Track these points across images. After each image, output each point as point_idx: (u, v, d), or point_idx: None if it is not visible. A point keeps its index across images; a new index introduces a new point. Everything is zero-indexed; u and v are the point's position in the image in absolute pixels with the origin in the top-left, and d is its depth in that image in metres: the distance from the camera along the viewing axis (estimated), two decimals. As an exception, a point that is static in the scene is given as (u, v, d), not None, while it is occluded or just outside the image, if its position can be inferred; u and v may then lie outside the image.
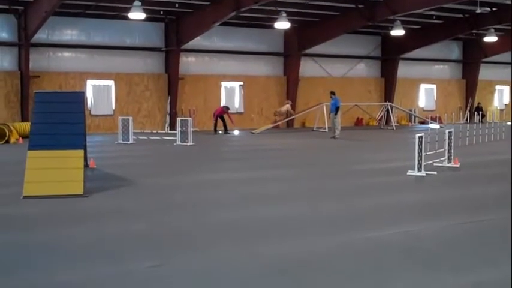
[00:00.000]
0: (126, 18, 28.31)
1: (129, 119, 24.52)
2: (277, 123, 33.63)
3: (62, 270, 6.51)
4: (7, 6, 27.73)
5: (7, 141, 23.56)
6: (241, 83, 34.73)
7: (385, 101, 37.78)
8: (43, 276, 6.35)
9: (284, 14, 29.58)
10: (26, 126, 24.71)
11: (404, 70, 39.72)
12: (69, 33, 30.50)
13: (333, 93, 27.07)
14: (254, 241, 7.80)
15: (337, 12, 31.90)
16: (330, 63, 37.54)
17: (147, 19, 28.79)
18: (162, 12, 30.45)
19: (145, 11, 26.93)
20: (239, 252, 7.25)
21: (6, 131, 23.87)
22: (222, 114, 29.82)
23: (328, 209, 10.03)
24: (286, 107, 30.09)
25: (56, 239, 7.90)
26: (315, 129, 32.40)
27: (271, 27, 31.79)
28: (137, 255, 7.12)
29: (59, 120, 12.23)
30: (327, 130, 26.92)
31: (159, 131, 29.44)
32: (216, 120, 29.73)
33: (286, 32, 34.66)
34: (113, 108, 31.18)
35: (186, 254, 7.17)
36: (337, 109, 26.35)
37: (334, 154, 20.24)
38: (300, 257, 6.99)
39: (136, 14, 26.84)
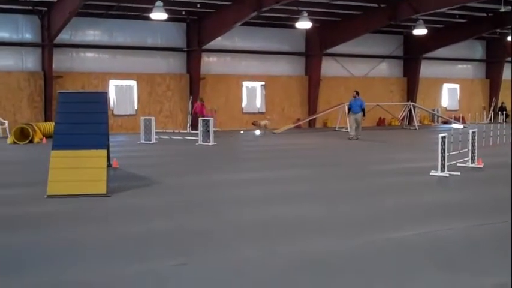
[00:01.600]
0: (148, 18, 28.46)
1: (151, 119, 24.65)
2: (299, 123, 33.60)
3: (85, 269, 6.56)
4: (31, 7, 28.03)
5: (31, 141, 23.82)
6: (263, 82, 34.75)
7: (408, 101, 37.55)
8: (66, 274, 6.40)
9: (306, 14, 29.53)
10: (49, 126, 24.96)
11: (427, 70, 39.45)
12: (92, 33, 30.76)
13: (357, 92, 26.32)
14: (275, 240, 7.80)
15: (359, 12, 31.77)
16: (352, 62, 37.41)
17: (168, 19, 28.92)
18: (183, 13, 30.57)
19: (167, 11, 27.05)
20: (261, 251, 7.25)
21: (30, 131, 24.13)
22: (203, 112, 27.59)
23: (349, 209, 9.99)
24: (265, 121, 29.48)
25: (79, 238, 7.97)
26: (336, 129, 32.31)
27: (293, 27, 31.76)
28: (161, 254, 7.16)
29: (82, 120, 12.32)
30: (349, 131, 26.35)
31: (180, 131, 29.53)
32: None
33: (307, 32, 34.61)
34: (135, 108, 31.38)
35: (209, 253, 7.19)
36: (363, 110, 25.80)
37: (356, 154, 20.15)
38: (320, 257, 6.98)
39: (158, 15, 26.97)
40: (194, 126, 29.93)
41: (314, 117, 34.75)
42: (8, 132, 26.27)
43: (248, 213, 9.64)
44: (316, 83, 35.65)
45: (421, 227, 8.51)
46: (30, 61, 29.44)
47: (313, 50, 35.44)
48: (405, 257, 6.98)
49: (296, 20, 30.28)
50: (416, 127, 34.33)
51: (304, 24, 30.15)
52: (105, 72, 30.62)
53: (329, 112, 33.77)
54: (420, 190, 12.14)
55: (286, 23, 32.77)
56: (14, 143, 23.62)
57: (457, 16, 33.65)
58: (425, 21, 32.63)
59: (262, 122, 28.85)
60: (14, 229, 8.56)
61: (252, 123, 29.62)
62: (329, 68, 36.40)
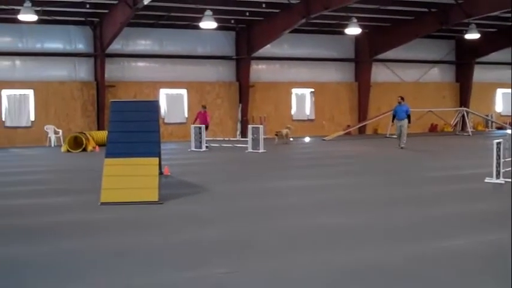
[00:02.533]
0: (198, 27, 28.70)
1: (201, 127, 24.81)
2: (348, 130, 33.34)
3: (137, 275, 6.61)
4: (83, 18, 28.62)
5: (84, 150, 24.27)
6: (312, 89, 34.62)
7: (461, 106, 36.83)
8: (119, 280, 6.46)
9: (355, 20, 29.32)
10: (102, 134, 25.41)
11: (480, 74, 38.63)
12: (143, 43, 31.21)
13: (402, 98, 24.91)
14: (327, 248, 7.72)
15: (410, 17, 31.35)
16: (403, 68, 36.93)
17: (218, 28, 29.11)
18: (232, 21, 30.75)
19: (216, 20, 27.24)
20: (312, 259, 7.17)
21: (84, 140, 24.59)
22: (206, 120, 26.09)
23: (403, 217, 9.81)
24: (286, 130, 28.42)
25: (132, 245, 8.04)
26: (387, 135, 31.91)
27: (342, 33, 31.57)
28: (211, 261, 7.16)
29: (135, 129, 12.48)
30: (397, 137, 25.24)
31: (230, 139, 29.63)
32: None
33: (357, 38, 34.36)
34: (186, 116, 31.65)
35: (258, 261, 7.15)
36: (409, 116, 24.27)
37: (408, 161, 19.85)
38: (374, 265, 6.86)
39: (208, 24, 27.18)
40: (244, 133, 30.06)
41: (364, 123, 34.43)
42: (62, 141, 26.87)
43: (298, 221, 9.57)
44: (366, 89, 35.33)
45: (478, 234, 8.30)
46: (83, 71, 30.04)
47: (363, 56, 35.14)
48: (462, 265, 6.81)
49: (345, 26, 30.09)
50: (470, 133, 33.65)
51: (353, 30, 29.94)
52: (156, 81, 31.00)
53: (379, 119, 33.39)
54: (475, 197, 11.87)
55: (335, 29, 32.60)
56: (68, 151, 24.11)
57: (511, 19, 32.85)
58: (478, 25, 32.00)
59: (284, 131, 27.92)
60: (68, 236, 8.70)
61: (275, 134, 28.75)
62: (379, 73, 36.03)
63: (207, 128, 25.72)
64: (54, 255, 7.57)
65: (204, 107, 26.76)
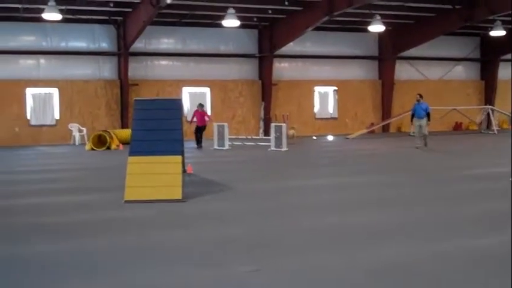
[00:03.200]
0: (221, 25, 28.74)
1: (224, 125, 24.83)
2: (372, 128, 33.15)
3: (161, 273, 6.60)
4: (107, 17, 28.80)
5: (108, 148, 24.43)
6: (335, 87, 34.48)
7: (486, 104, 36.43)
8: (143, 278, 6.46)
9: (378, 17, 29.13)
10: (125, 132, 25.56)
11: (505, 72, 38.14)
12: (166, 41, 31.33)
13: (421, 96, 23.94)
14: (351, 246, 7.64)
15: (434, 14, 31.08)
16: (427, 65, 36.63)
17: (240, 26, 29.12)
18: (255, 19, 30.74)
19: (239, 18, 27.24)
20: (336, 258, 7.10)
21: (107, 138, 24.75)
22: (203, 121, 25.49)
23: (429, 215, 9.69)
24: (292, 132, 27.58)
25: (155, 243, 8.05)
26: (411, 134, 31.62)
27: (365, 30, 31.39)
28: (234, 260, 7.13)
29: (158, 127, 12.49)
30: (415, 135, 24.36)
31: (253, 137, 29.62)
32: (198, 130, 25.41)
33: (380, 35, 34.16)
34: (209, 114, 31.65)
35: (283, 260, 7.10)
36: (428, 114, 23.28)
37: (432, 159, 19.66)
38: (400, 264, 6.78)
39: (231, 22, 27.20)
40: (266, 132, 30.04)
41: (388, 122, 34.21)
42: (86, 139, 27.07)
43: (322, 220, 9.50)
44: (389, 87, 35.11)
45: (505, 234, 8.16)
46: (106, 69, 30.23)
47: (386, 54, 34.93)
48: (491, 265, 6.69)
49: (368, 23, 29.91)
50: (495, 131, 33.25)
51: (376, 27, 29.74)
52: (178, 80, 31.11)
53: (403, 117, 33.11)
54: (502, 196, 11.68)
55: (359, 26, 32.42)
56: (92, 149, 24.30)
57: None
58: (503, 22, 31.60)
59: (290, 132, 26.85)
60: (93, 234, 8.73)
61: None
62: (403, 71, 35.78)
63: (204, 128, 25.20)
64: (80, 252, 7.60)
65: (201, 105, 25.89)
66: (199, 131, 25.15)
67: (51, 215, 10.24)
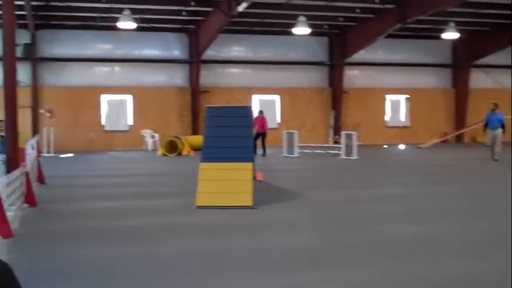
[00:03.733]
0: (291, 33, 28.78)
1: (293, 133, 24.80)
2: (445, 138, 32.40)
3: (231, 280, 6.61)
4: (180, 26, 29.31)
5: (179, 153, 24.80)
6: (407, 96, 33.92)
7: None
8: (214, 284, 6.48)
9: (452, 24, 28.52)
10: (196, 139, 25.85)
11: None
12: (236, 49, 31.61)
13: (495, 105, 22.24)
14: (421, 259, 7.44)
15: (509, 21, 30.13)
16: (503, 73, 35.48)
17: (311, 34, 29.06)
18: (326, 27, 30.63)
19: (309, 25, 27.21)
20: (407, 269, 6.94)
21: (179, 144, 25.14)
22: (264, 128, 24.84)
23: (490, 229, 9.34)
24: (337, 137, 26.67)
25: (226, 249, 8.08)
26: (487, 144, 30.70)
27: (438, 37, 30.79)
28: (305, 269, 7.07)
29: (230, 134, 12.57)
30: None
31: (323, 145, 29.47)
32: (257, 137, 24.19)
33: (454, 42, 33.40)
34: (278, 122, 31.75)
35: (352, 270, 6.99)
36: (503, 125, 21.81)
37: (505, 171, 18.99)
38: (467, 277, 6.55)
39: (301, 29, 27.20)
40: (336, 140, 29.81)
41: (462, 131, 33.35)
42: (158, 145, 27.58)
43: (393, 230, 9.32)
44: (463, 96, 34.26)
45: None
46: (179, 77, 30.75)
47: (461, 61, 34.12)
48: None
49: (442, 30, 29.32)
50: None
51: (450, 34, 29.12)
52: (248, 87, 31.30)
53: (478, 126, 32.20)
54: None
55: (432, 34, 31.81)
56: (164, 155, 24.73)
57: None
58: None
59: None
60: (166, 238, 8.85)
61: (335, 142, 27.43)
62: (478, 79, 34.81)
63: (265, 135, 24.86)
64: (153, 256, 7.70)
65: (261, 112, 25.52)
66: (259, 137, 24.61)
67: (125, 218, 10.45)
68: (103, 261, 7.46)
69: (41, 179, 15.35)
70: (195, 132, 29.57)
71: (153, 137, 29.04)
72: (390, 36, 29.78)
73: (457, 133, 33.37)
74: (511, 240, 7.55)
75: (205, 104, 26.41)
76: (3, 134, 13.31)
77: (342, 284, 6.48)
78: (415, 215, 10.62)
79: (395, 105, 33.94)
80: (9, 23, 11.87)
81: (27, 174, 11.95)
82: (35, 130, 27.09)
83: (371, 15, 28.42)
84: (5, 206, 9.24)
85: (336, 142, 26.68)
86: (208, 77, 30.73)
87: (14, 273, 2.94)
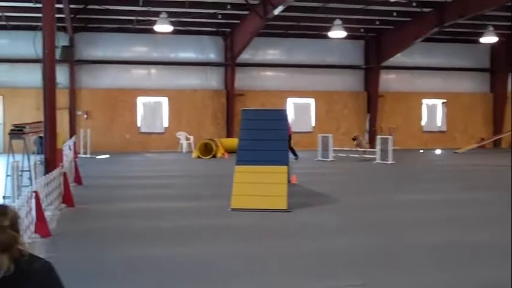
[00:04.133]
0: (326, 37, 28.68)
1: (328, 137, 24.71)
2: (482, 143, 31.88)
3: (267, 282, 6.62)
4: (215, 29, 29.46)
5: (214, 156, 24.90)
6: (444, 100, 33.51)
7: None
8: (256, 285, 6.50)
9: (491, 28, 28.11)
10: (231, 142, 25.97)
11: None
12: (271, 52, 31.62)
13: None
14: (458, 265, 7.34)
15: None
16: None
17: (347, 37, 28.93)
18: (362, 30, 30.47)
19: (345, 29, 27.09)
20: (445, 276, 6.85)
21: (213, 146, 25.25)
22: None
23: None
24: (360, 139, 26.05)
25: (260, 252, 8.08)
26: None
27: (477, 41, 30.38)
28: (340, 273, 7.04)
29: (265, 137, 12.58)
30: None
31: (358, 149, 29.25)
32: None
33: (492, 47, 32.90)
34: (312, 125, 31.67)
35: (388, 276, 6.93)
36: None
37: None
38: (497, 286, 6.44)
39: (337, 33, 27.09)
40: (371, 144, 29.61)
41: (500, 136, 32.82)
42: (193, 147, 27.74)
43: (430, 236, 9.22)
44: (502, 101, 33.72)
45: None
46: (214, 80, 30.89)
47: (499, 66, 33.58)
48: None
49: (480, 34, 28.93)
50: None
51: (489, 38, 28.72)
52: (283, 90, 31.28)
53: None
54: None
55: (470, 37, 31.40)
56: (199, 157, 24.85)
57: None
58: None
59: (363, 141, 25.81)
60: (203, 240, 8.90)
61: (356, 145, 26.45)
62: (518, 84, 34.23)
63: (290, 139, 24.28)
64: (188, 257, 7.75)
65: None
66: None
67: (161, 220, 10.53)
68: (139, 261, 7.53)
69: (78, 180, 15.57)
70: (229, 135, 29.67)
71: (188, 139, 29.22)
72: (427, 39, 29.47)
73: (495, 138, 32.84)
74: (511, 247, 7.49)
75: (240, 107, 26.51)
76: (41, 135, 13.52)
77: (378, 289, 6.45)
78: (451, 222, 10.48)
79: (431, 110, 33.56)
80: (50, 26, 12.07)
81: (65, 174, 12.13)
82: (72, 131, 27.49)
83: (408, 19, 28.17)
84: (44, 205, 9.40)
85: (356, 142, 25.84)
86: (243, 80, 30.81)
87: (56, 271, 2.99)
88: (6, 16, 25.65)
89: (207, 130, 30.22)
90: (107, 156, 25.63)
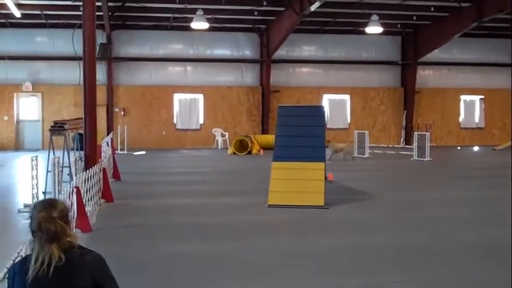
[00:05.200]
0: (363, 32, 28.47)
1: (364, 133, 24.56)
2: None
3: (308, 279, 6.62)
4: (251, 25, 29.48)
5: (249, 152, 24.95)
6: (482, 96, 33.00)
7: None
8: (291, 283, 6.51)
9: (532, 23, 27.53)
10: (266, 138, 25.99)
11: None
12: (307, 49, 31.49)
13: None
14: (500, 263, 7.22)
15: None
16: None
17: (383, 33, 28.65)
18: (399, 26, 30.13)
19: (382, 25, 26.82)
20: (485, 274, 6.78)
21: (249, 143, 25.30)
22: None
23: None
24: (343, 145, 22.91)
25: (299, 248, 8.09)
26: None
27: (517, 36, 29.80)
28: (381, 269, 7.03)
29: (302, 133, 12.56)
30: None
31: (394, 146, 29.07)
32: None
33: (533, 42, 32.24)
34: (348, 121, 31.49)
35: (432, 272, 6.89)
36: None
37: None
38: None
39: (374, 29, 26.84)
40: (408, 141, 29.38)
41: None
42: (228, 144, 27.84)
43: (468, 233, 9.13)
44: (542, 97, 33.03)
45: None
46: (249, 76, 30.92)
47: (539, 61, 32.90)
48: None
49: (521, 29, 28.35)
50: None
51: (529, 33, 28.13)
52: (319, 87, 31.16)
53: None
54: None
55: (508, 33, 30.80)
56: (234, 153, 24.93)
57: None
58: None
59: (340, 145, 22.82)
60: (241, 235, 8.95)
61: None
62: (557, 80, 33.53)
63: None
64: (226, 252, 7.81)
65: None
66: None
67: (199, 215, 10.62)
68: (177, 256, 7.61)
69: (116, 176, 15.77)
70: (264, 131, 29.66)
71: (223, 135, 29.33)
72: (464, 34, 28.98)
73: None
74: (511, 245, 7.43)
75: (275, 103, 26.51)
76: (80, 131, 13.71)
77: (421, 285, 6.42)
78: (491, 219, 10.35)
79: (469, 106, 33.07)
80: (90, 24, 12.23)
81: (104, 170, 12.30)
82: (110, 128, 27.81)
83: (445, 14, 27.78)
84: (84, 201, 9.55)
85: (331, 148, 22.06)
86: (278, 76, 30.76)
87: (107, 264, 3.10)
88: (45, 14, 26.03)
89: (243, 127, 30.28)
90: (144, 152, 25.88)
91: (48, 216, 3.00)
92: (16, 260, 5.10)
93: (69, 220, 3.14)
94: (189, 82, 30.17)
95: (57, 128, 12.66)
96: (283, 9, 26.38)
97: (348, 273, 6.87)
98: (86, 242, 8.13)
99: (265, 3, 25.56)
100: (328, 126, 30.89)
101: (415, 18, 28.40)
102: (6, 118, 27.94)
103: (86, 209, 9.64)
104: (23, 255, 5.17)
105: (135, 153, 25.40)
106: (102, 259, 3.13)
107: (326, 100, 31.36)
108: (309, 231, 9.32)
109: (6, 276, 4.69)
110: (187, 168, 19.68)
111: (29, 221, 3.05)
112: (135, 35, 29.35)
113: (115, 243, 8.33)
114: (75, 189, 9.05)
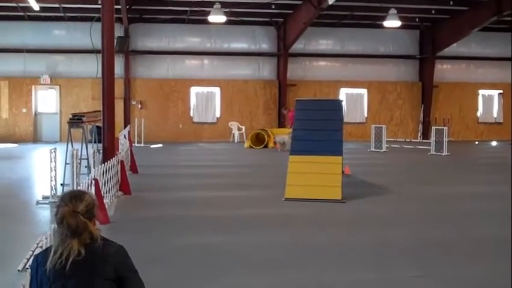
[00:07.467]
0: (381, 26, 28.31)
1: (382, 127, 24.45)
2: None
3: (326, 272, 6.62)
4: (268, 19, 29.42)
5: (266, 146, 24.95)
6: (501, 91, 32.71)
7: None
8: (307, 276, 6.51)
9: (552, 16, 27.20)
10: (282, 132, 25.91)
11: None
12: (324, 42, 31.37)
13: None
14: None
15: None
16: None
17: (401, 27, 28.47)
18: (417, 19, 29.92)
19: (400, 18, 26.64)
20: (504, 268, 6.71)
21: (265, 137, 25.29)
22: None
23: None
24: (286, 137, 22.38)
25: (316, 242, 8.08)
26: None
27: (537, 30, 29.46)
28: (399, 263, 7.01)
29: (319, 127, 12.54)
30: None
31: (411, 140, 28.90)
32: None
33: (553, 36, 31.87)
34: (365, 116, 31.37)
35: (448, 267, 6.86)
36: None
37: None
38: None
39: (392, 22, 26.67)
40: (425, 135, 29.22)
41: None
42: (244, 137, 27.86)
43: (486, 228, 9.09)
44: (561, 92, 32.68)
45: None
46: (266, 70, 30.88)
47: (560, 56, 32.52)
48: None
49: (541, 23, 28.04)
50: None
51: (550, 27, 27.81)
52: (336, 81, 31.05)
53: None
54: None
55: (529, 26, 30.50)
56: (250, 147, 24.95)
57: None
58: None
59: (280, 138, 23.50)
60: (257, 228, 8.96)
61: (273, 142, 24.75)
62: None
63: None
64: (243, 245, 7.83)
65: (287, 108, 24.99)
66: None
67: (216, 208, 10.65)
68: (194, 248, 7.63)
69: (134, 168, 15.84)
70: (281, 125, 29.62)
71: (239, 129, 29.34)
72: (483, 28, 28.72)
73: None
74: (511, 243, 7.39)
75: (292, 97, 26.43)
76: (98, 124, 13.78)
77: (436, 280, 6.38)
78: (509, 213, 10.25)
79: (487, 101, 32.80)
80: (109, 17, 12.28)
81: (122, 163, 12.36)
82: (127, 121, 27.92)
83: (464, 8, 27.53)
84: (102, 193, 9.60)
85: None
86: (295, 70, 30.68)
87: (129, 256, 3.12)
88: (64, 7, 26.14)
89: (259, 120, 30.26)
90: (161, 145, 25.97)
91: (71, 210, 3.03)
92: (36, 251, 5.15)
93: (94, 215, 3.15)
94: (206, 75, 30.19)
95: (76, 120, 12.75)
96: (300, 2, 26.30)
97: (365, 267, 6.86)
98: (104, 234, 8.19)
99: (282, -3, 25.51)
100: (345, 120, 30.88)
101: (433, 11, 28.18)
102: (24, 111, 28.14)
103: (104, 201, 9.70)
104: (42, 247, 5.23)
105: (152, 146, 25.49)
106: (124, 251, 3.15)
107: (343, 94, 31.22)
108: (326, 225, 9.31)
109: (27, 266, 4.74)
110: (203, 161, 19.72)
111: (55, 210, 3.08)
112: (152, 28, 29.41)
113: (133, 235, 8.37)
114: (93, 181, 9.10)
